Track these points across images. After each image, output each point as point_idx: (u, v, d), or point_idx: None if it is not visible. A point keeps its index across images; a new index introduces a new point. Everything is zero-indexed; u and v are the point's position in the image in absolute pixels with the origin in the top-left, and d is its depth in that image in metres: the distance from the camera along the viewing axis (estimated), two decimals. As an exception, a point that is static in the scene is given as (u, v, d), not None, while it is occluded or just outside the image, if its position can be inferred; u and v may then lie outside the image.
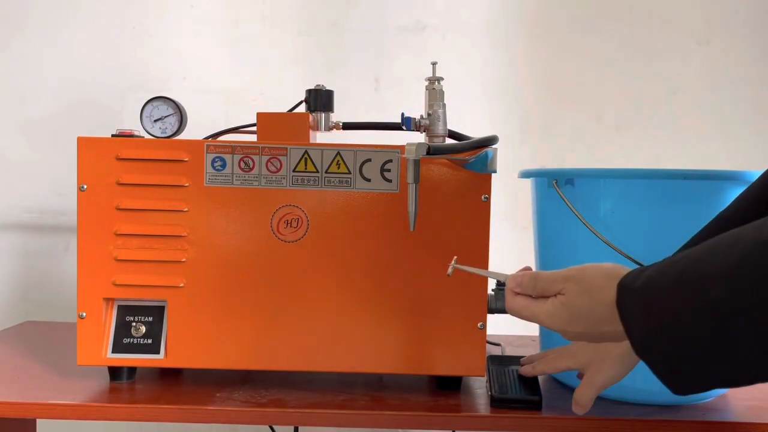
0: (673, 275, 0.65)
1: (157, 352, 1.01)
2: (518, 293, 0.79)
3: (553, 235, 1.09)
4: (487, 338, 1.02)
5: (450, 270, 0.87)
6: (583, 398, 0.89)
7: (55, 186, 1.68)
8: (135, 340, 1.01)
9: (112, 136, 1.01)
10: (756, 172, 0.90)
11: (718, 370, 0.65)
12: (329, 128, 1.12)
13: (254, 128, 1.08)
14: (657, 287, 0.66)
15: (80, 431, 1.67)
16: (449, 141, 1.06)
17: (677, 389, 0.68)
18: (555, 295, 0.75)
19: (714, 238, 0.65)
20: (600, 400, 0.89)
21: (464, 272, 0.87)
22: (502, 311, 0.98)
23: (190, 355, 1.01)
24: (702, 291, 0.62)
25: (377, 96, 1.67)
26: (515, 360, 1.06)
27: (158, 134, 1.04)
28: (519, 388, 0.98)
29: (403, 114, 1.03)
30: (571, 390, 1.04)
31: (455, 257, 0.88)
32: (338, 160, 1.00)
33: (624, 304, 0.69)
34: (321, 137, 1.13)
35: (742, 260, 0.60)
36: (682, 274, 0.65)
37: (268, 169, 1.00)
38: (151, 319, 1.02)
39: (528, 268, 0.82)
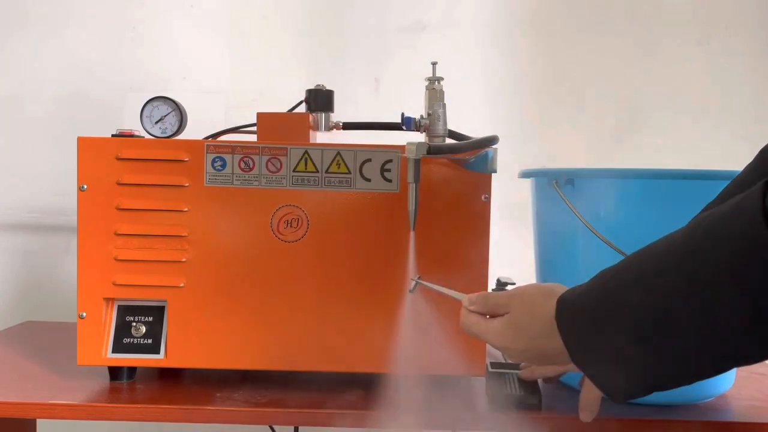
0: (600, 286, 0.68)
1: (157, 352, 1.01)
2: (472, 311, 0.82)
3: (553, 235, 1.09)
4: (487, 338, 1.02)
5: (413, 286, 0.90)
6: (588, 399, 0.88)
7: (55, 186, 1.67)
8: (135, 340, 1.01)
9: (112, 136, 1.02)
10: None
11: (650, 373, 0.66)
12: (329, 128, 1.12)
13: (254, 128, 1.08)
14: (588, 299, 0.69)
15: (80, 431, 1.67)
16: (449, 141, 1.06)
17: (617, 397, 0.69)
18: (503, 315, 0.78)
19: (640, 249, 0.67)
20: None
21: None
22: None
23: (190, 355, 1.01)
24: (625, 299, 0.64)
25: (377, 96, 1.67)
26: (515, 368, 1.06)
27: (158, 134, 1.04)
28: (518, 388, 0.98)
29: (403, 114, 1.03)
30: (570, 390, 1.04)
31: (418, 275, 0.90)
32: (338, 160, 1.00)
33: (561, 317, 0.71)
34: (321, 137, 1.13)
35: (655, 267, 0.62)
36: (607, 283, 0.67)
37: (268, 169, 1.00)
38: (151, 319, 1.02)
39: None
